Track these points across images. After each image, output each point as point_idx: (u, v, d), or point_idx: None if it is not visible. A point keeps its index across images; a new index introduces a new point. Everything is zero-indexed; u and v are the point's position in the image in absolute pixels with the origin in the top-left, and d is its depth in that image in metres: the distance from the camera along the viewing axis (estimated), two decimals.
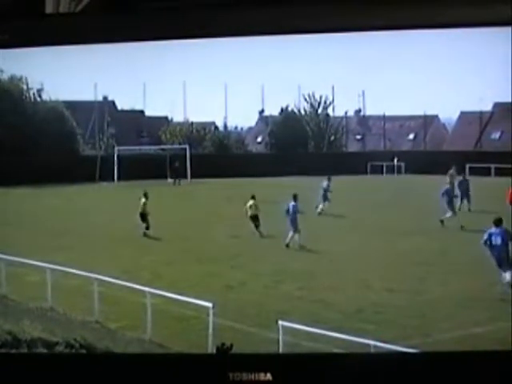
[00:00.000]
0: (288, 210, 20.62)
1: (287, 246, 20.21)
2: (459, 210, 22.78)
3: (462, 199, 23.51)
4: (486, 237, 15.72)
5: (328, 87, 30.84)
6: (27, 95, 28.30)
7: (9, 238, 18.64)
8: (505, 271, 15.49)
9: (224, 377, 7.75)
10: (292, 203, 20.65)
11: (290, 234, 20.29)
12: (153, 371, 8.05)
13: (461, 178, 24.08)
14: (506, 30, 7.47)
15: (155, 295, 14.63)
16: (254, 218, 22.20)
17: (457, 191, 23.32)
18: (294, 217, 20.54)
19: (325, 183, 25.08)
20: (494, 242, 15.63)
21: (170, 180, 28.44)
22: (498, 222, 15.81)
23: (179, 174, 28.16)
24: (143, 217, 22.54)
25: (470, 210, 23.31)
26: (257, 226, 22.05)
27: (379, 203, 25.68)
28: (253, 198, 22.42)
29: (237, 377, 7.71)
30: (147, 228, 22.30)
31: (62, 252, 19.24)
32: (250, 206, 22.36)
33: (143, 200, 22.72)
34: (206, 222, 24.14)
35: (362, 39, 8.05)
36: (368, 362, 8.27)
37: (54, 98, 28.33)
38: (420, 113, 31.44)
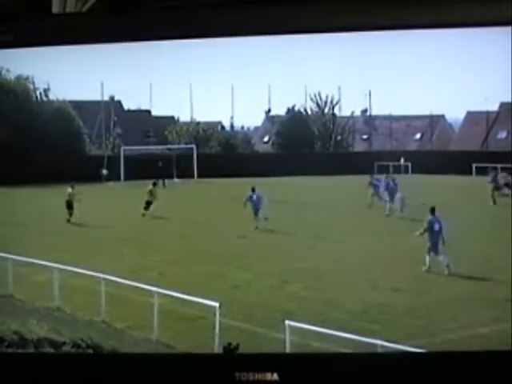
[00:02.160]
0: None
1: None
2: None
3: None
4: (426, 225, 17.91)
5: (334, 87, 30.78)
6: (34, 95, 28.31)
7: (16, 238, 18.67)
8: (438, 254, 17.57)
9: (230, 377, 7.77)
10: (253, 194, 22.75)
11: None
12: (159, 371, 8.06)
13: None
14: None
15: (162, 295, 14.64)
16: (147, 203, 24.48)
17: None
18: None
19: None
20: (434, 229, 17.76)
21: (176, 180, 28.44)
22: (432, 211, 18.09)
23: (165, 175, 28.11)
24: (69, 205, 23.95)
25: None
26: (145, 209, 24.39)
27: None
28: (154, 184, 25.21)
29: (243, 377, 7.72)
30: (70, 215, 23.79)
31: (68, 251, 19.26)
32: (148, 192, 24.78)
33: (70, 190, 24.08)
34: (211, 221, 24.13)
35: (368, 39, 8.05)
36: (374, 361, 8.27)
37: (60, 97, 28.31)
38: (426, 113, 31.38)
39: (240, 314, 14.63)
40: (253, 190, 22.97)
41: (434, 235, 17.79)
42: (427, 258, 17.67)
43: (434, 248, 17.71)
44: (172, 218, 24.71)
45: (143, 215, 24.37)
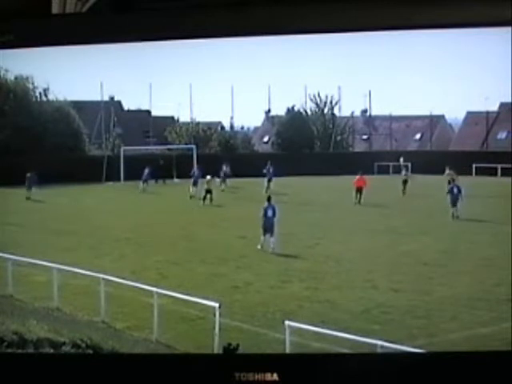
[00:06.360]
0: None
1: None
2: None
3: None
4: (263, 211, 20.42)
5: (334, 87, 30.88)
6: (34, 95, 28.34)
7: (16, 238, 18.69)
8: (271, 235, 20.14)
9: (230, 377, 7.75)
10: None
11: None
12: (159, 371, 8.05)
13: None
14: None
15: (162, 295, 14.63)
16: (208, 191, 25.70)
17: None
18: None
19: None
20: (268, 215, 20.41)
21: (176, 180, 28.49)
22: (269, 199, 20.87)
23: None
24: None
25: None
26: (211, 199, 25.60)
27: (385, 203, 25.67)
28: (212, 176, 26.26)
29: (243, 377, 7.71)
30: None
31: (68, 252, 19.27)
32: (207, 182, 25.88)
33: None
34: (212, 222, 24.15)
35: (368, 39, 8.04)
36: (374, 362, 8.26)
37: (60, 98, 28.39)
38: (426, 113, 31.42)
39: (240, 315, 14.62)
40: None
41: (268, 220, 20.36)
42: (262, 238, 20.17)
43: (267, 230, 20.22)
44: (172, 218, 24.72)
45: (203, 203, 25.60)
